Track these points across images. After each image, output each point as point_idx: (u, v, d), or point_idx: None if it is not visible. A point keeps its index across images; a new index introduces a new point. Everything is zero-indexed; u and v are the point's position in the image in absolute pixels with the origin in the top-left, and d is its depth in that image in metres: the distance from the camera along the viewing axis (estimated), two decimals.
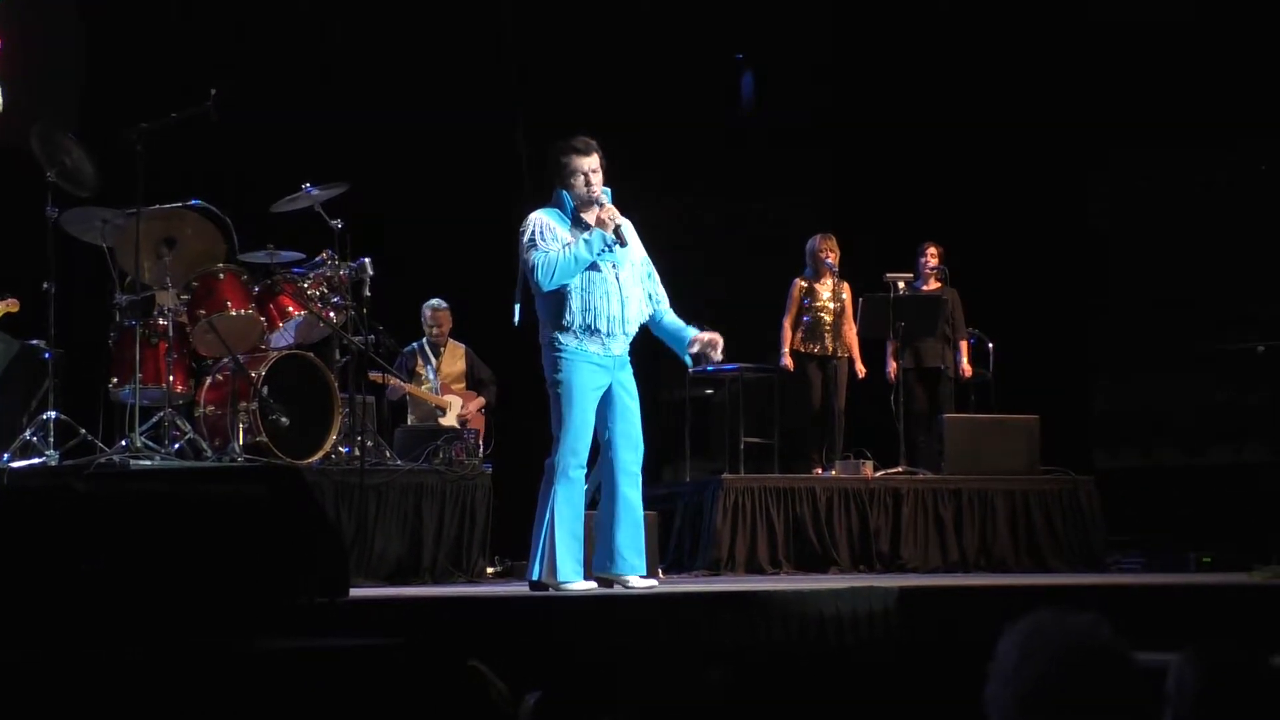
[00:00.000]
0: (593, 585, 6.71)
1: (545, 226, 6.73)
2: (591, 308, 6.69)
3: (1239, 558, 8.85)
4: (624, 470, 6.80)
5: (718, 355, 6.93)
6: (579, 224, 6.76)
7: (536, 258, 6.66)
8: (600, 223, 6.69)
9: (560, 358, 6.70)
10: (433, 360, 10.49)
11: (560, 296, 6.69)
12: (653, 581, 7.14)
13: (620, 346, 6.80)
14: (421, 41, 11.34)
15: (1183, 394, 12.08)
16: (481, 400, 10.47)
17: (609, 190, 6.84)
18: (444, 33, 11.40)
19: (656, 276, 7.00)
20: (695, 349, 6.90)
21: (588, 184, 6.75)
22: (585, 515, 6.84)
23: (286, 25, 10.96)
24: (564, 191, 6.80)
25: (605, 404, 6.79)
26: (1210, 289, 11.93)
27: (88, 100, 9.74)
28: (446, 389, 10.42)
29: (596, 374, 6.73)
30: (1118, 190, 12.44)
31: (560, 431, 6.70)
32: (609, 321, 6.72)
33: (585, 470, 6.74)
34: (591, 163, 6.77)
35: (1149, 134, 11.92)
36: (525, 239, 6.74)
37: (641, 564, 6.85)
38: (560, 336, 6.71)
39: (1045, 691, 2.49)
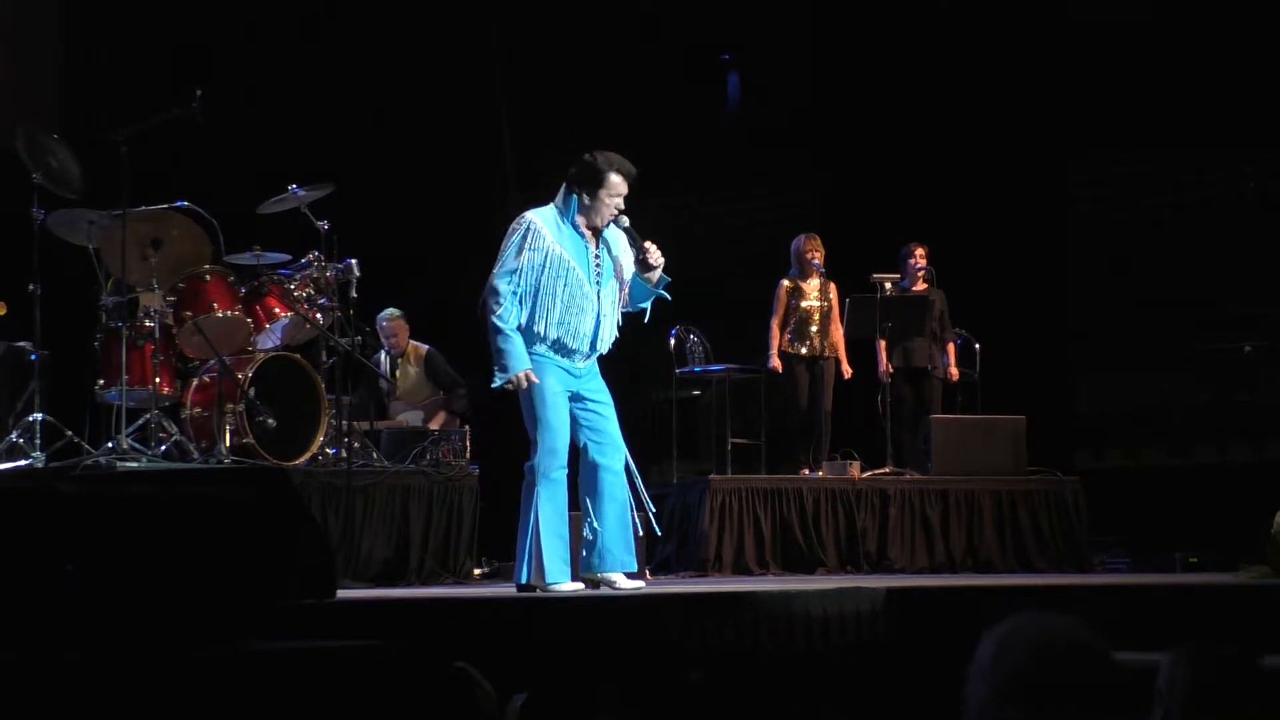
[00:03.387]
0: (580, 587, 6.69)
1: (533, 235, 6.60)
2: (567, 323, 6.59)
3: (1225, 558, 8.86)
4: (608, 469, 6.73)
5: (655, 256, 6.70)
6: (577, 230, 6.68)
7: (502, 293, 6.52)
8: (646, 259, 6.64)
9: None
10: (390, 375, 10.30)
11: (538, 308, 6.57)
12: (640, 583, 7.13)
13: (585, 363, 6.73)
14: (408, 42, 11.33)
15: (1168, 394, 12.10)
16: (441, 416, 10.30)
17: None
18: (431, 33, 11.40)
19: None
20: (644, 267, 6.73)
21: (613, 210, 6.64)
22: (569, 516, 6.82)
23: (272, 26, 10.95)
24: (576, 197, 6.67)
25: (578, 409, 6.74)
26: (1196, 289, 11.95)
27: (73, 102, 9.73)
28: (410, 403, 10.27)
29: (563, 377, 6.66)
30: (1102, 190, 12.45)
31: (536, 434, 6.62)
32: (581, 339, 6.64)
33: (566, 470, 6.71)
34: (625, 191, 6.67)
35: (1132, 134, 11.94)
36: (509, 245, 6.60)
37: (632, 560, 6.81)
38: (528, 339, 6.61)
39: (1020, 685, 2.50)
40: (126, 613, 4.08)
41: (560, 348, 6.62)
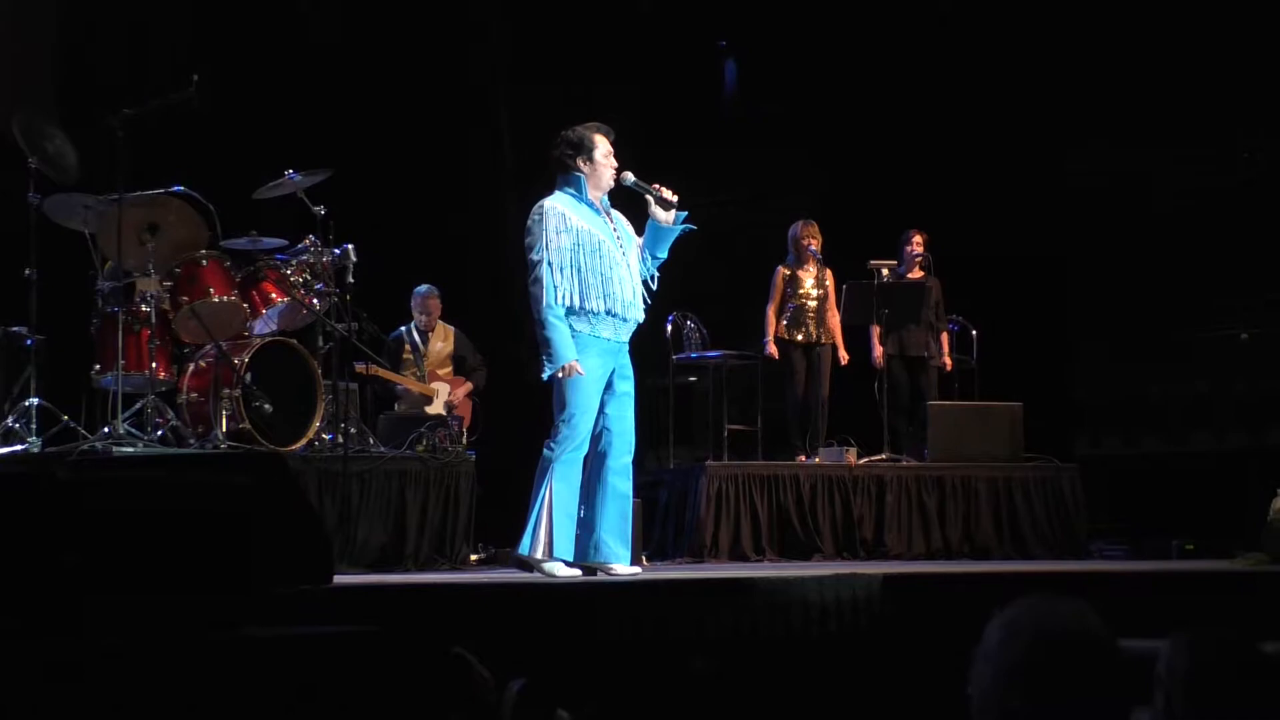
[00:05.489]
0: (577, 573, 6.71)
1: (559, 218, 6.68)
2: (612, 294, 6.70)
3: (1221, 545, 8.87)
4: (615, 461, 6.80)
5: (669, 192, 6.85)
6: (592, 206, 6.76)
7: (545, 283, 6.61)
8: (662, 199, 6.77)
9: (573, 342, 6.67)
10: (420, 347, 10.44)
11: (584, 286, 6.65)
12: (636, 569, 7.14)
13: (628, 332, 6.82)
14: (405, 23, 11.31)
15: (1165, 381, 12.10)
16: (468, 385, 10.43)
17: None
18: (428, 17, 11.38)
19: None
20: (660, 208, 6.84)
21: (611, 167, 6.82)
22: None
23: (268, 8, 10.93)
24: (578, 174, 6.79)
25: (604, 391, 6.78)
26: (1193, 277, 11.94)
27: (70, 86, 9.70)
28: (434, 375, 10.38)
29: (604, 360, 6.73)
30: (1101, 179, 12.43)
31: (562, 417, 6.68)
32: (625, 305, 6.73)
33: (583, 453, 6.74)
34: (611, 147, 6.86)
35: (1131, 123, 11.92)
36: (539, 236, 6.66)
37: (626, 553, 6.88)
38: (574, 322, 6.68)
39: (1023, 673, 2.50)
40: (122, 599, 4.08)
41: (612, 319, 6.70)
